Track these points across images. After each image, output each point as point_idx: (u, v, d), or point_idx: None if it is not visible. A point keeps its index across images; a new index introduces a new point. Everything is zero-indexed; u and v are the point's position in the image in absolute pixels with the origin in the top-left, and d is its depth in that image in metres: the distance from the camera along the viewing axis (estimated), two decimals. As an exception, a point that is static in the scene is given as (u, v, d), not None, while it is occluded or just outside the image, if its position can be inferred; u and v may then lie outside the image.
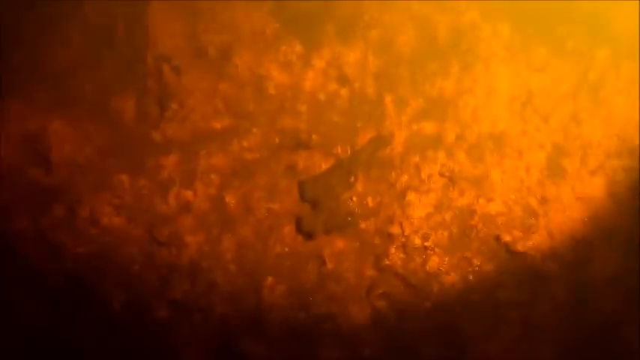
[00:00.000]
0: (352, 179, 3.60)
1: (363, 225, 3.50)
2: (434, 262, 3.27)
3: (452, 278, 3.20)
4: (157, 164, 3.71)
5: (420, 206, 3.42)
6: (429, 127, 3.60)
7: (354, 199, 3.57)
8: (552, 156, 3.34)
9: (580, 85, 3.44)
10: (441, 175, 3.46)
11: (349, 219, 3.48)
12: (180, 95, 3.84)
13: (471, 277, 3.20)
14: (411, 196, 3.45)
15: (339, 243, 3.47)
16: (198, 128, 3.78)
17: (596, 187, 3.23)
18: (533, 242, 3.17)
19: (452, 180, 3.43)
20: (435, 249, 3.29)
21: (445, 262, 3.25)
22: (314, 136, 3.69)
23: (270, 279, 3.41)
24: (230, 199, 3.62)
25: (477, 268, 3.22)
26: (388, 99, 3.72)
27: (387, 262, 3.34)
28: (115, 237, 3.56)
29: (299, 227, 3.47)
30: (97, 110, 3.97)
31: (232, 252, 3.50)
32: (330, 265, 3.40)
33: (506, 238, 3.22)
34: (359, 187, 3.59)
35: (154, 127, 3.83)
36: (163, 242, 3.51)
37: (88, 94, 4.00)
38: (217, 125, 3.79)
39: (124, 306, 3.39)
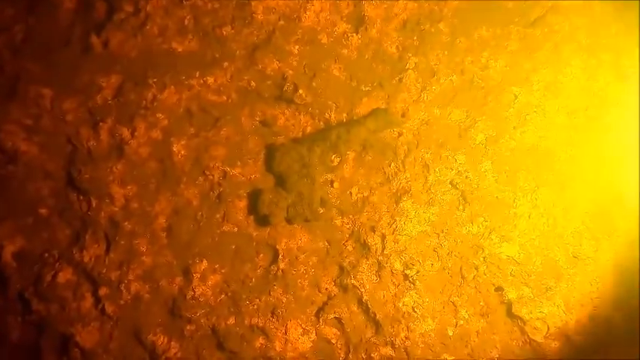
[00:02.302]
0: (338, 159, 2.74)
1: (337, 222, 2.71)
2: (410, 298, 2.53)
3: (426, 326, 2.49)
4: (91, 83, 2.82)
5: (414, 220, 2.60)
6: (455, 117, 2.67)
7: (335, 185, 2.74)
8: (606, 200, 2.46)
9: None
10: (453, 185, 2.60)
11: (321, 210, 2.68)
12: (137, -7, 2.83)
13: (450, 332, 2.49)
14: (407, 203, 2.62)
15: (301, 238, 2.71)
16: (153, 46, 2.84)
17: (651, 256, 2.42)
18: (544, 310, 2.40)
19: (464, 197, 2.58)
20: (417, 282, 2.54)
21: (424, 304, 2.51)
22: (302, 90, 2.76)
23: (204, 263, 2.69)
24: (178, 149, 2.78)
25: (461, 322, 2.49)
26: (412, 63, 2.73)
27: (352, 280, 2.60)
28: (22, 167, 2.77)
29: (255, 205, 2.68)
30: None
31: (166, 217, 2.75)
32: (282, 264, 2.66)
33: (511, 294, 2.45)
34: (345, 170, 2.74)
35: (97, 29, 2.86)
36: (82, 188, 2.73)
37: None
38: (179, 47, 2.84)
39: (16, 258, 2.70)
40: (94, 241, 2.72)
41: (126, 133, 2.77)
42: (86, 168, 2.75)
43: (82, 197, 2.76)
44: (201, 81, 2.80)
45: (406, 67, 2.74)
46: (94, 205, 2.73)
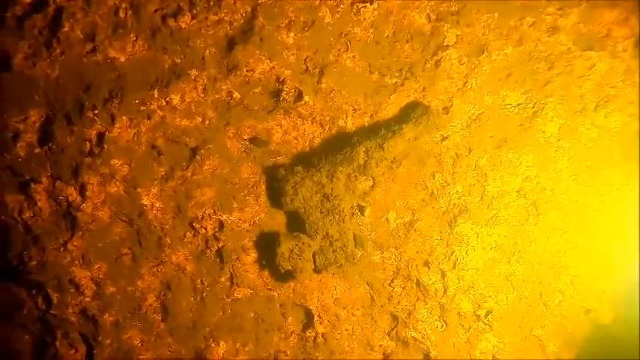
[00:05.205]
0: (369, 182, 2.08)
1: (376, 258, 2.12)
2: (487, 343, 2.07)
3: (514, 374, 2.08)
4: (1, 127, 1.92)
5: (478, 246, 2.05)
6: (513, 101, 2.02)
7: (367, 213, 2.11)
8: None
9: None
10: (521, 195, 2.04)
11: (356, 250, 2.07)
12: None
13: (541, 375, 2.10)
14: (465, 226, 2.05)
15: (335, 287, 2.13)
16: (80, 58, 1.93)
17: None
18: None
19: (536, 207, 2.03)
20: (494, 323, 2.06)
21: (505, 345, 2.06)
22: (308, 97, 2.00)
23: (222, 345, 2.09)
24: (150, 202, 2.03)
25: (552, 357, 2.08)
26: (452, 37, 1.99)
27: (411, 331, 2.09)
28: None
29: (270, 257, 2.04)
30: None
31: (157, 294, 2.07)
32: (320, 327, 2.10)
33: (606, 317, 2.04)
34: (376, 193, 2.10)
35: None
36: (32, 281, 1.97)
37: None
38: (120, 56, 1.95)
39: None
40: (69, 347, 2.03)
41: (73, 193, 1.96)
42: (30, 251, 1.97)
43: (35, 292, 2.00)
44: (163, 102, 1.97)
45: (444, 44, 2.00)
46: (54, 300, 1.99)
